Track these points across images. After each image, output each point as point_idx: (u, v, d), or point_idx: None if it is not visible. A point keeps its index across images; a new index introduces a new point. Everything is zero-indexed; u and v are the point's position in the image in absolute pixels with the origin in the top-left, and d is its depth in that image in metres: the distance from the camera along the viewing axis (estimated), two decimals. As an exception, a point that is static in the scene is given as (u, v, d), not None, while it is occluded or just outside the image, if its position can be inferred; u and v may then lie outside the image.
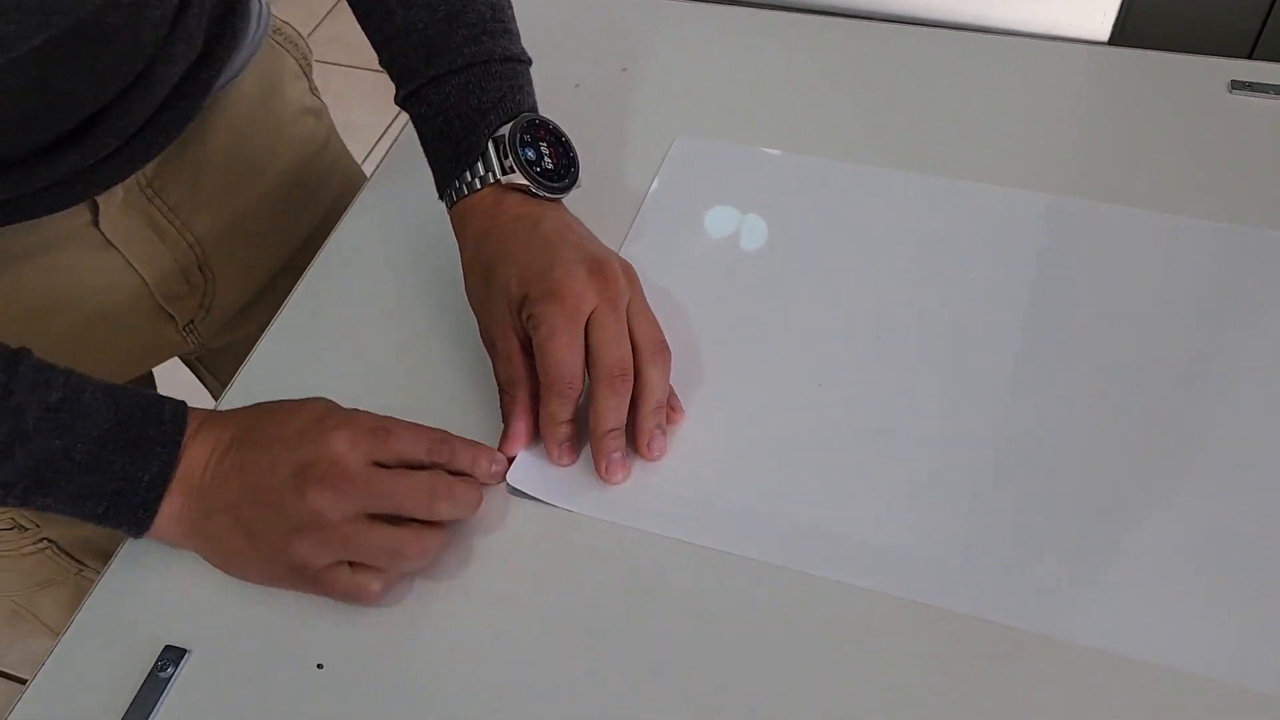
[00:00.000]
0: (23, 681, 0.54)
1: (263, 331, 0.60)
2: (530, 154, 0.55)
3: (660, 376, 0.51)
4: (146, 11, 0.50)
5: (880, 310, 0.58)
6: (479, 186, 0.55)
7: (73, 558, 0.68)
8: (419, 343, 0.59)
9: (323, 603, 0.49)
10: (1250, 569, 0.47)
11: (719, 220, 0.64)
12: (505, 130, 0.55)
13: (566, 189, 0.56)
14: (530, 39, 0.77)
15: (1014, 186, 0.64)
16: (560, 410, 0.51)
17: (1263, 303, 0.57)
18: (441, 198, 0.58)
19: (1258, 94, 0.68)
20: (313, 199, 0.71)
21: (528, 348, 0.52)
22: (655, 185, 0.66)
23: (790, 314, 0.58)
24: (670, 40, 0.76)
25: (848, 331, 0.57)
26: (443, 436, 0.50)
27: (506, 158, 0.54)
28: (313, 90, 0.72)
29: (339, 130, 0.76)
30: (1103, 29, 0.75)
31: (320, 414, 0.48)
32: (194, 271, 0.65)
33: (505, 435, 0.53)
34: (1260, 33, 0.74)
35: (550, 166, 0.55)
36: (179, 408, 0.47)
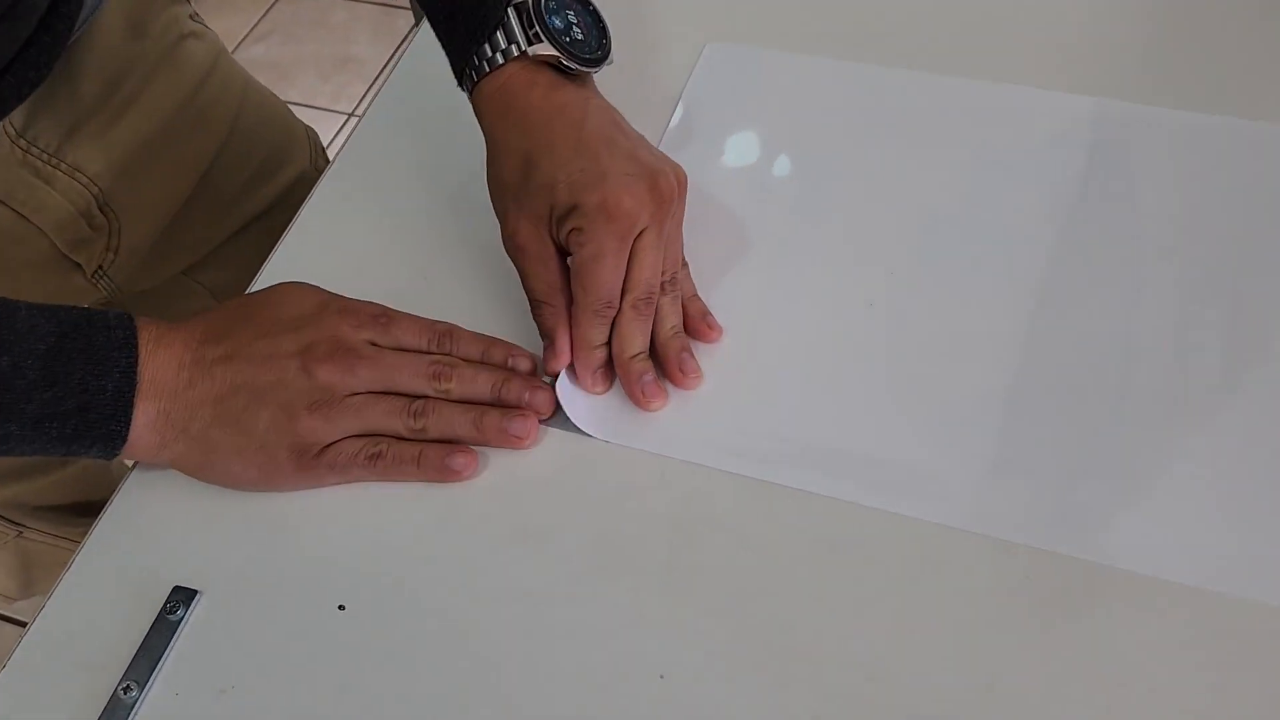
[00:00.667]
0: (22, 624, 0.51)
1: (177, 277, 0.57)
2: (557, 22, 0.49)
3: (671, 304, 0.49)
4: None
5: (923, 225, 0.54)
6: (501, 61, 0.50)
7: (9, 520, 0.65)
8: (430, 260, 0.55)
9: (343, 540, 0.46)
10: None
11: (753, 132, 0.60)
12: None
13: (599, 61, 0.51)
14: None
15: (1065, 91, 0.59)
16: (596, 333, 0.48)
17: None
18: (461, 82, 0.52)
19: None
20: (205, 123, 0.67)
21: (563, 256, 0.49)
22: (685, 96, 0.61)
23: (830, 229, 0.54)
24: None
25: (889, 248, 0.53)
26: (446, 328, 0.48)
27: (531, 27, 0.49)
28: (194, 16, 0.67)
29: (340, 64, 0.71)
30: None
31: (320, 300, 0.48)
32: (94, 213, 0.61)
33: (550, 350, 0.49)
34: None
35: (580, 37, 0.50)
36: (122, 314, 0.45)
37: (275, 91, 0.77)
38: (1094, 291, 0.51)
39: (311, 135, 0.78)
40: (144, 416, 0.44)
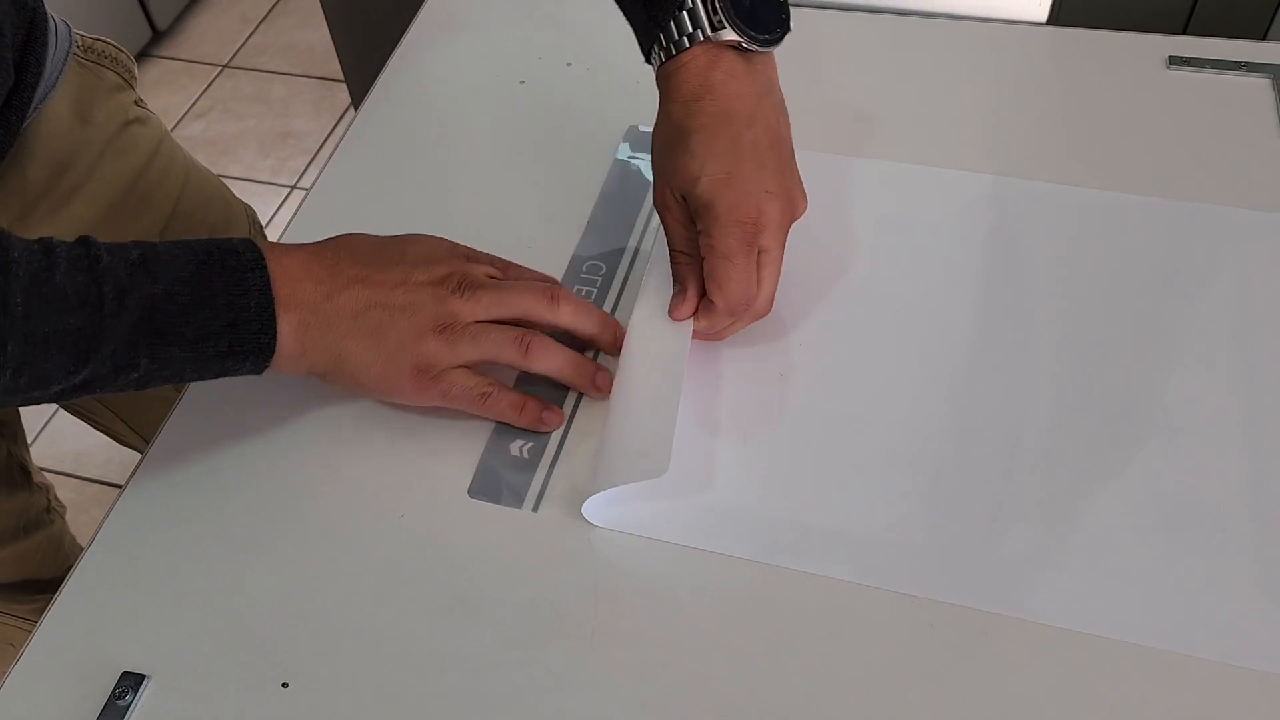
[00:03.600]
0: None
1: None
2: (742, 4, 0.52)
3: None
4: None
5: (835, 293, 0.58)
6: (686, 45, 0.52)
7: None
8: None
9: (285, 618, 0.48)
10: (1209, 541, 0.48)
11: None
12: None
13: (779, 39, 0.54)
14: (472, 37, 0.76)
15: (959, 169, 0.64)
16: (723, 327, 0.53)
17: (1208, 276, 0.58)
18: (648, 59, 0.56)
19: (1195, 69, 0.69)
20: (149, 206, 0.69)
21: (690, 220, 0.53)
22: (605, 182, 0.65)
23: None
24: (614, 32, 0.75)
25: (806, 315, 0.57)
26: (555, 283, 0.55)
27: (716, 14, 0.51)
28: (138, 102, 0.70)
29: (280, 138, 0.74)
30: (1041, 10, 0.76)
31: (448, 245, 0.53)
32: None
33: (679, 298, 0.53)
34: (1193, 8, 0.75)
35: (759, 15, 0.53)
36: (245, 240, 0.48)
37: (216, 167, 0.79)
38: (1000, 357, 0.55)
39: (250, 213, 0.81)
40: (287, 326, 0.47)
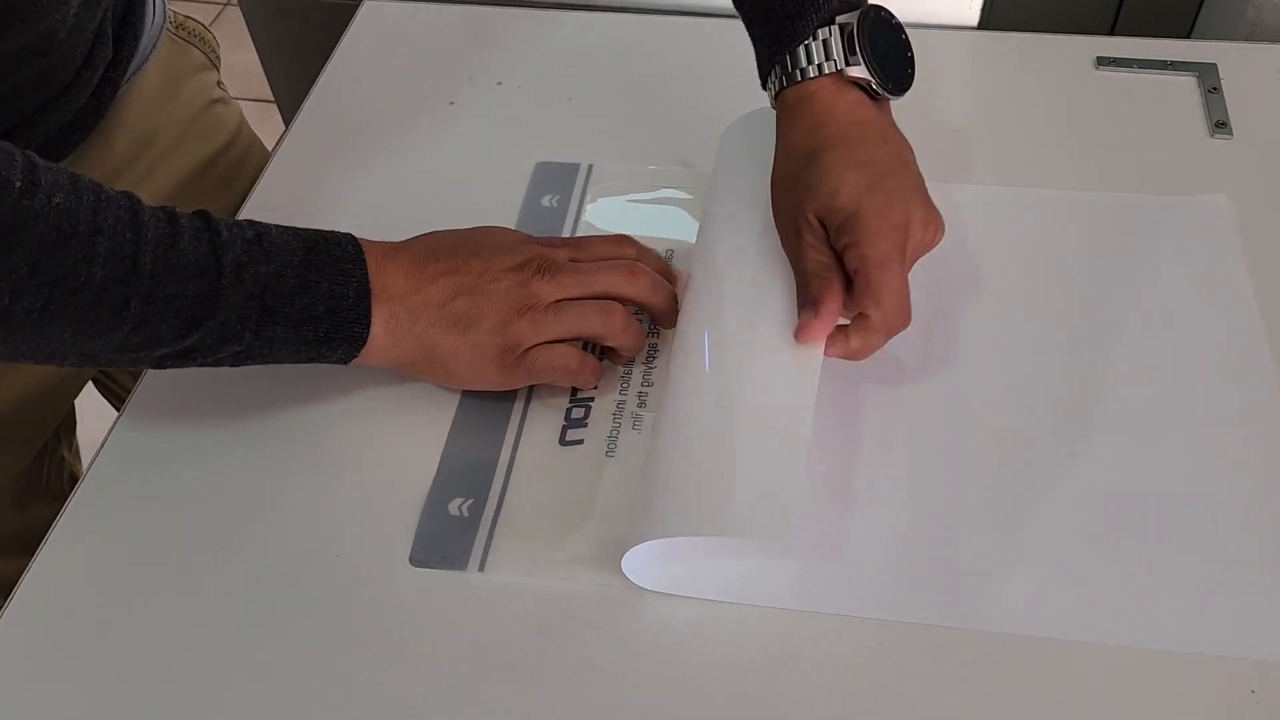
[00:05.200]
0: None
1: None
2: (876, 46, 0.52)
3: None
4: (85, 22, 0.54)
5: (766, 303, 0.57)
6: (814, 75, 0.52)
7: None
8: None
9: (225, 668, 0.46)
10: (1163, 534, 0.47)
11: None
12: (851, 19, 0.52)
13: (904, 89, 0.54)
14: (401, 57, 0.75)
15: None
16: (877, 345, 0.50)
17: (1142, 266, 0.58)
18: (766, 83, 0.55)
19: (1122, 69, 0.70)
20: (227, 187, 0.71)
21: (825, 243, 0.51)
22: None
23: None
24: (545, 50, 0.75)
25: (722, 325, 0.55)
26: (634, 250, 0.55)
27: (854, 52, 0.51)
28: (220, 84, 0.72)
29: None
30: (971, 14, 0.77)
31: (523, 235, 0.54)
32: None
33: (811, 313, 0.49)
34: (1119, 9, 0.76)
35: (889, 62, 0.53)
36: (347, 234, 0.50)
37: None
38: (938, 362, 0.54)
39: None
40: (380, 318, 0.49)
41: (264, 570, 0.49)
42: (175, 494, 0.52)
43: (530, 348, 0.51)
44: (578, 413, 0.53)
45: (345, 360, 0.50)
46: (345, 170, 0.67)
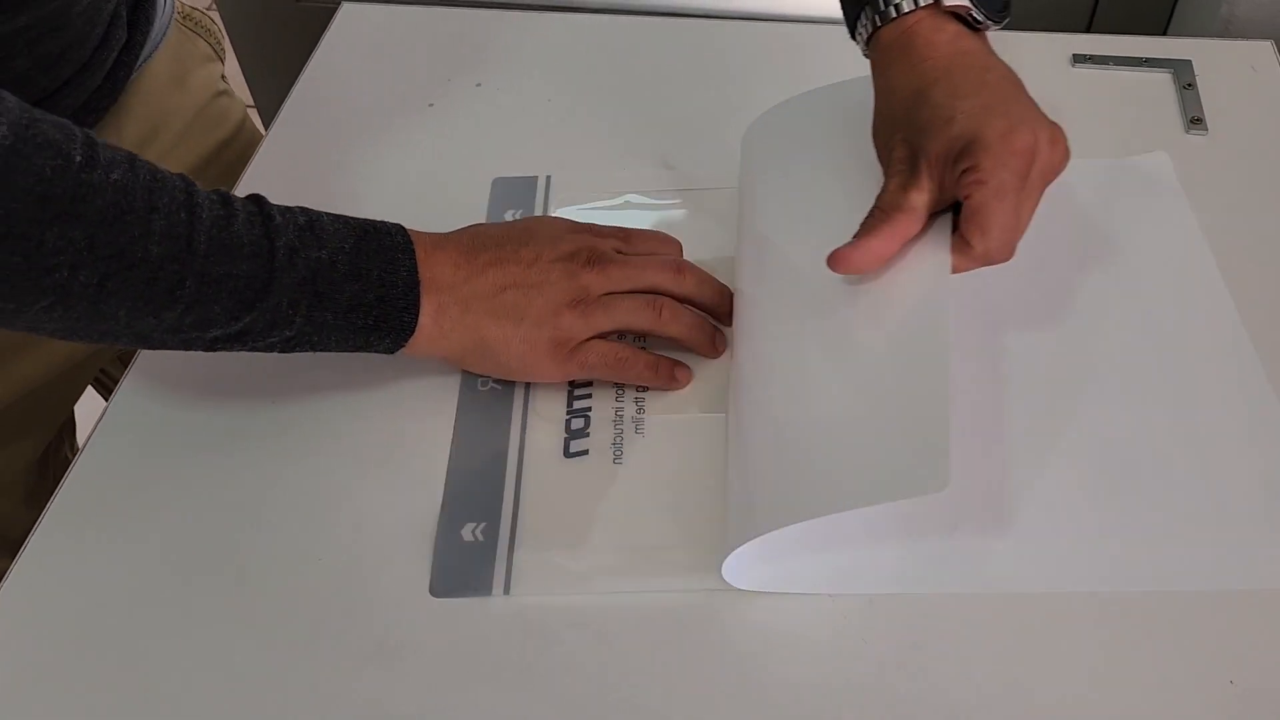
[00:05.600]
0: None
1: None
2: None
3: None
4: (102, 2, 0.55)
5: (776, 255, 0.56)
6: (910, 9, 0.50)
7: None
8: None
9: (200, 673, 0.45)
10: (1147, 480, 0.49)
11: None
12: None
13: (1003, 17, 0.51)
14: (379, 59, 0.75)
15: (874, 174, 0.64)
16: (967, 269, 0.47)
17: (1102, 222, 0.59)
18: (854, 32, 0.53)
19: (1099, 66, 0.71)
20: (229, 179, 0.70)
21: (910, 180, 0.48)
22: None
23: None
24: (524, 51, 0.75)
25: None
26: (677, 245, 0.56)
27: None
28: (223, 76, 0.73)
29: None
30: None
31: (571, 224, 0.54)
32: None
33: (854, 244, 0.47)
34: (1095, 6, 0.76)
35: None
36: (396, 224, 0.50)
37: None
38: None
39: None
40: (429, 307, 0.49)
41: (285, 618, 0.47)
42: (158, 501, 0.51)
43: (583, 341, 0.51)
44: (577, 423, 0.53)
45: (392, 350, 0.49)
46: (325, 172, 0.66)
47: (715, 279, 0.55)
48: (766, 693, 0.44)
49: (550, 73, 0.72)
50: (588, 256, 0.51)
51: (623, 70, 0.72)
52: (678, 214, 0.63)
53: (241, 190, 0.65)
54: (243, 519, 0.50)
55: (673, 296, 0.53)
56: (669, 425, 0.52)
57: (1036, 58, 0.71)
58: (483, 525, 0.49)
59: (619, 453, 0.51)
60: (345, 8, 0.78)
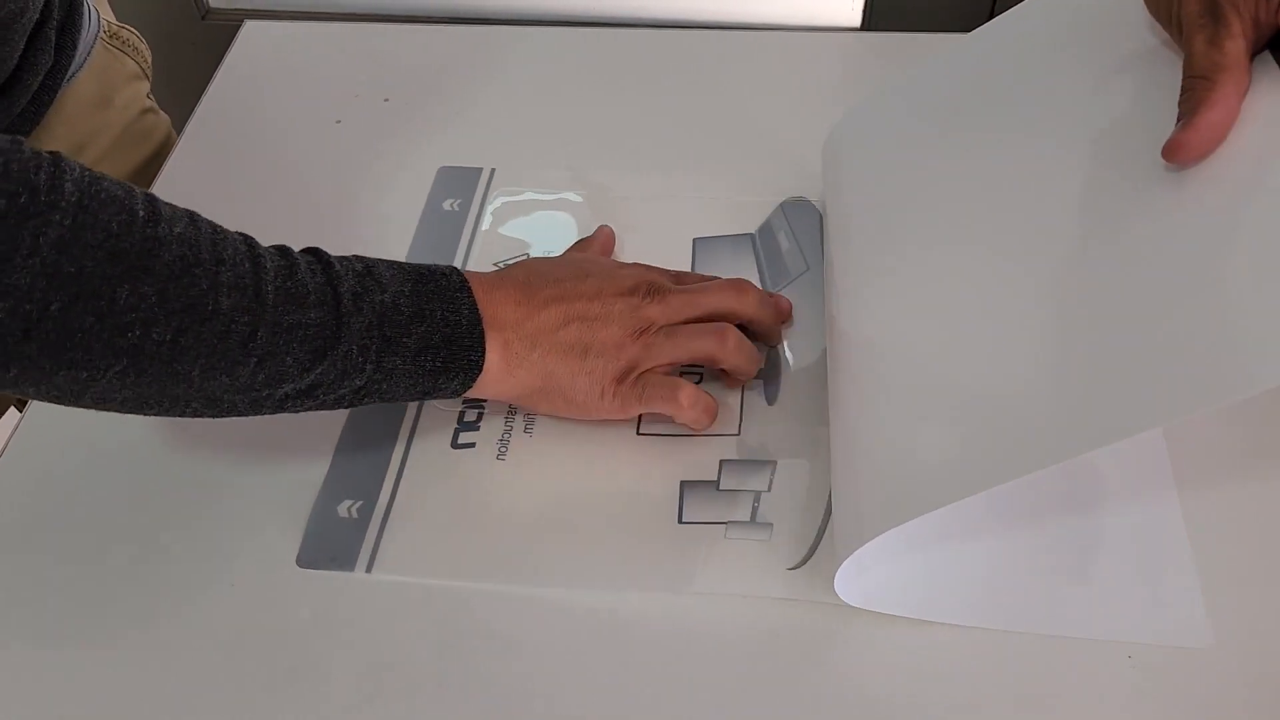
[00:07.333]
0: None
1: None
2: None
3: None
4: (16, 25, 0.55)
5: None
6: None
7: None
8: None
9: (121, 694, 0.44)
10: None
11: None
12: None
13: None
14: (285, 77, 0.74)
15: (793, 179, 0.64)
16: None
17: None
18: None
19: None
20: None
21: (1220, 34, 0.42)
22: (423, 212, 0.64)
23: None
24: (432, 65, 0.74)
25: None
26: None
27: None
28: (149, 94, 0.73)
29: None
30: (853, 16, 0.78)
31: (619, 262, 0.55)
32: None
33: (1188, 125, 0.41)
34: (993, 7, 0.78)
35: None
36: (450, 266, 0.50)
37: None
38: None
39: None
40: (494, 345, 0.49)
41: (145, 568, 0.48)
42: (55, 492, 0.51)
43: (643, 372, 0.51)
44: (470, 416, 0.54)
45: (461, 391, 0.49)
46: (232, 191, 0.65)
47: (776, 295, 0.56)
48: (599, 678, 0.44)
49: (459, 86, 0.72)
50: (648, 289, 0.51)
51: (535, 82, 0.72)
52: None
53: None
54: (126, 484, 0.51)
55: (737, 317, 0.53)
56: (558, 428, 0.53)
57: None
58: (359, 504, 0.50)
59: (504, 449, 0.52)
60: (248, 25, 0.77)
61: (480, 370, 0.48)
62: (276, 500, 0.51)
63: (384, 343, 0.46)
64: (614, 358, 0.50)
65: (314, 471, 0.52)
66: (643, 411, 0.52)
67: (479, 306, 0.48)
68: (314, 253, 0.47)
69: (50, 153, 0.39)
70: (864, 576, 0.45)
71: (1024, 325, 0.44)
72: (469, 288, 0.49)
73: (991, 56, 0.55)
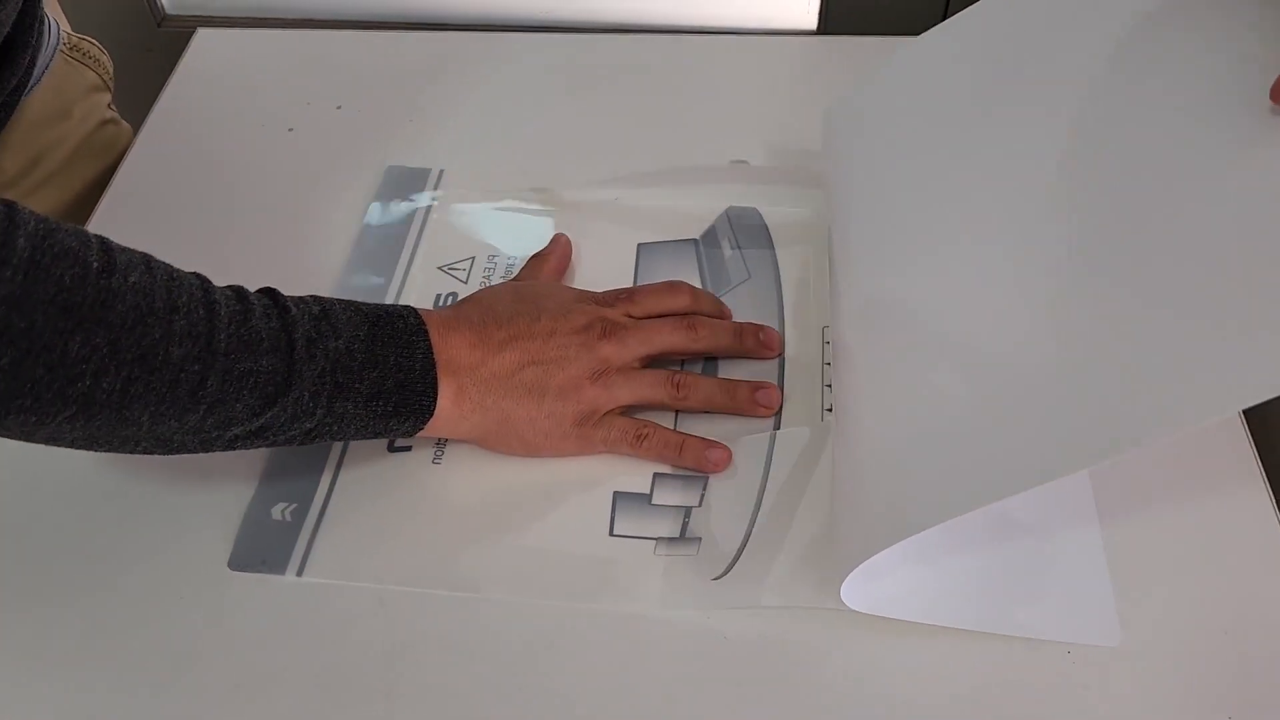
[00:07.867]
0: None
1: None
2: None
3: None
4: None
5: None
6: None
7: None
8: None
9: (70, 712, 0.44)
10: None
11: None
12: None
13: None
14: (236, 85, 0.74)
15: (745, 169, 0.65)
16: None
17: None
18: None
19: (952, 67, 0.72)
20: None
21: None
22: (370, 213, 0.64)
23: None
24: (385, 72, 0.74)
25: None
26: (688, 286, 0.55)
27: None
28: (111, 105, 0.73)
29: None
30: (809, 18, 0.78)
31: (574, 293, 0.54)
32: None
33: None
34: (946, 8, 0.78)
35: None
36: (408, 306, 0.50)
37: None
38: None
39: None
40: (447, 390, 0.49)
41: (77, 570, 0.49)
42: None
43: (604, 415, 0.51)
44: None
45: (412, 433, 0.49)
46: (184, 198, 0.65)
47: (729, 323, 0.55)
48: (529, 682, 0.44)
49: (412, 92, 0.72)
50: (602, 328, 0.51)
51: (488, 87, 0.72)
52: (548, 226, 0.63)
53: (97, 219, 0.64)
54: (63, 487, 0.51)
55: (691, 355, 0.54)
56: None
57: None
58: (293, 506, 0.50)
59: (440, 454, 0.52)
60: (201, 33, 0.77)
61: (431, 414, 0.48)
62: (212, 503, 0.51)
63: (335, 389, 0.46)
64: (574, 400, 0.50)
65: (251, 473, 0.52)
66: (605, 452, 0.51)
67: (434, 350, 0.48)
68: (270, 294, 0.46)
69: (4, 203, 0.38)
70: (863, 579, 0.44)
71: (1035, 333, 0.43)
72: (425, 330, 0.49)
73: (1006, 31, 0.53)
